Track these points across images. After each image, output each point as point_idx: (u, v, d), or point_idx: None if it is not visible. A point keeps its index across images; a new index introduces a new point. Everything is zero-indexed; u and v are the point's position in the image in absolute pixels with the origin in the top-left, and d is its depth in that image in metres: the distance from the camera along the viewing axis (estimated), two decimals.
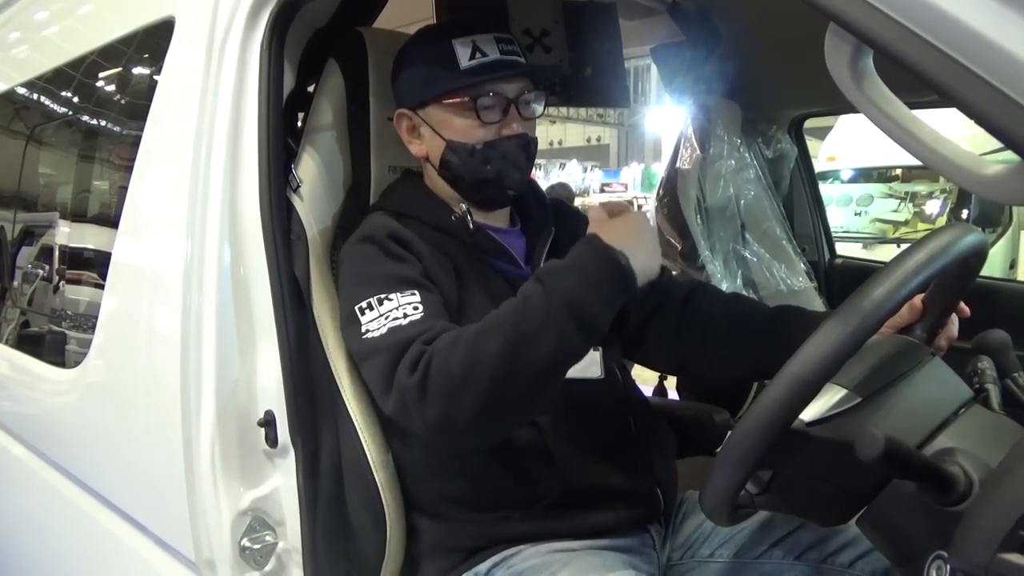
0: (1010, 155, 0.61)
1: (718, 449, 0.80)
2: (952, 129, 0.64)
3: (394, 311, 1.00)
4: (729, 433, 0.78)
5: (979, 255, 0.85)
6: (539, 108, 1.17)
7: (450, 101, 1.12)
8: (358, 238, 1.11)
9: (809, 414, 0.77)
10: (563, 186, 5.61)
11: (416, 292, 1.02)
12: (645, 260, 0.96)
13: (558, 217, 1.27)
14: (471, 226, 1.15)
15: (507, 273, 1.16)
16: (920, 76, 0.59)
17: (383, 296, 1.01)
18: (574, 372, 1.15)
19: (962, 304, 1.01)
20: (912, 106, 0.70)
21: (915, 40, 0.60)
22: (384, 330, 0.99)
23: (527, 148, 1.15)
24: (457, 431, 0.94)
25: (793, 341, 0.77)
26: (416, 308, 1.00)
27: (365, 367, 1.03)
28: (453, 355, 0.92)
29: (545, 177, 16.85)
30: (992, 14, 0.58)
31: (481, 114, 1.11)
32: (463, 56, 1.10)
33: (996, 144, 0.61)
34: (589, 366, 1.17)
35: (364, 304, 1.02)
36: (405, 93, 1.17)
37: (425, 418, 0.94)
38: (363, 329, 1.01)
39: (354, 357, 1.07)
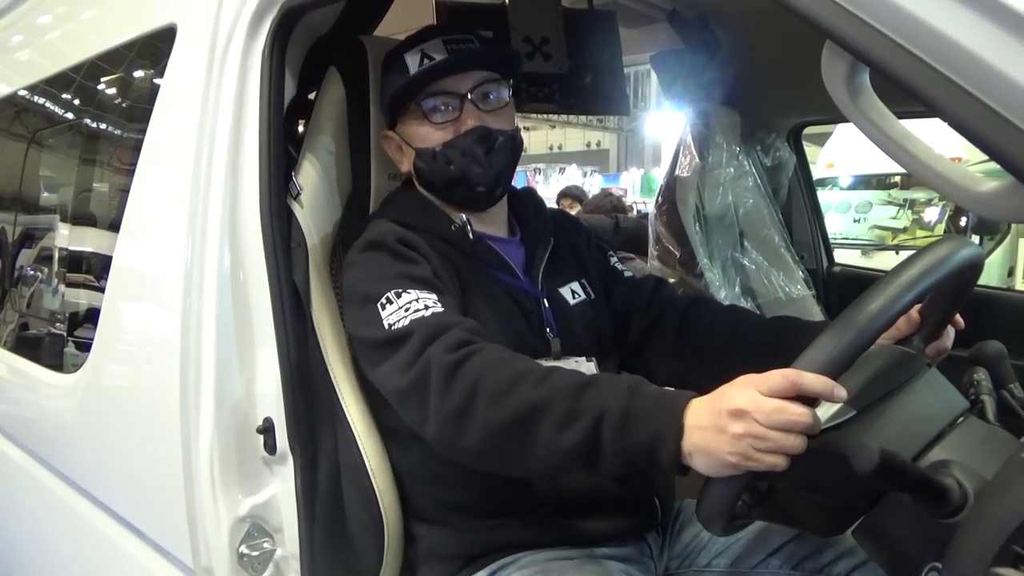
0: None
1: None
2: (951, 132, 0.65)
3: (414, 303, 0.99)
4: None
5: (975, 268, 0.86)
6: (504, 96, 1.17)
7: (407, 111, 1.16)
8: (366, 243, 1.10)
9: None
10: (577, 188, 5.66)
11: (432, 292, 1.02)
12: (703, 461, 0.79)
13: (557, 227, 1.28)
14: (471, 235, 1.15)
15: (506, 284, 1.16)
16: (915, 95, 0.60)
17: (399, 291, 1.01)
18: None
19: (957, 317, 1.01)
20: (910, 115, 0.71)
21: (910, 59, 0.60)
22: (407, 321, 0.98)
23: (486, 140, 1.13)
24: (458, 437, 0.91)
25: (791, 351, 0.78)
26: (436, 303, 1.00)
27: (386, 358, 0.99)
28: (498, 370, 0.90)
29: (545, 182, 16.82)
30: (987, 35, 0.58)
31: (430, 116, 1.14)
32: (412, 66, 1.13)
33: None
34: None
35: (384, 300, 1.01)
36: (383, 113, 1.22)
37: (444, 407, 0.91)
38: (386, 323, 0.99)
39: (369, 353, 1.04)
